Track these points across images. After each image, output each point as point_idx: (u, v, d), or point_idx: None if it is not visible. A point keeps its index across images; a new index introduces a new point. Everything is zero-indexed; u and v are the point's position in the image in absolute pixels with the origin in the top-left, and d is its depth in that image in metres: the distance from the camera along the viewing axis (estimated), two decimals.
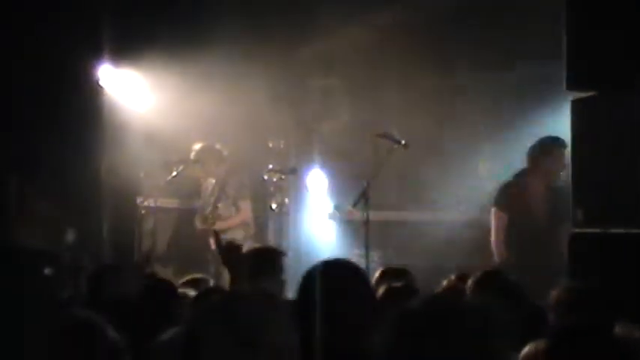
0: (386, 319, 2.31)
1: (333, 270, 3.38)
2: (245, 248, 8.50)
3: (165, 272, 8.24)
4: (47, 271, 5.56)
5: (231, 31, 8.77)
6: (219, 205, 8.93)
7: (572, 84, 5.65)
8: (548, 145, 7.52)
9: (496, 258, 7.51)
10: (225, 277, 7.93)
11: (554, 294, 4.35)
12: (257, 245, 5.94)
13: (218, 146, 8.98)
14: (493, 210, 7.68)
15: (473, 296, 4.47)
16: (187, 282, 5.44)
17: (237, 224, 8.91)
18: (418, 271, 5.73)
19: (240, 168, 9.10)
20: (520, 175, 7.74)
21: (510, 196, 7.65)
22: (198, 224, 9.09)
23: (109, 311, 3.10)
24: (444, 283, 5.12)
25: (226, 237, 8.75)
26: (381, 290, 4.63)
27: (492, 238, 7.60)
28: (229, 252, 3.96)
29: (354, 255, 8.59)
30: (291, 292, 5.30)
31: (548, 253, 7.32)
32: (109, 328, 2.78)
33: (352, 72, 9.50)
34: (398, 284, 4.73)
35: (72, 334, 2.72)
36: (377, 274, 5.38)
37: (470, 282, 4.70)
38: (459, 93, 9.52)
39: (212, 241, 6.58)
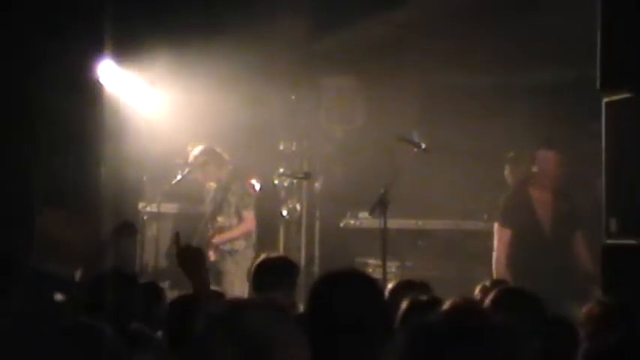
0: (403, 335, 2.21)
1: (343, 281, 3.36)
2: (246, 258, 8.60)
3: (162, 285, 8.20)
4: (58, 297, 5.54)
5: (239, 28, 8.75)
6: (219, 217, 8.79)
7: (606, 85, 5.60)
8: (536, 151, 7.59)
9: (494, 276, 7.49)
10: (225, 287, 7.93)
11: (584, 310, 4.31)
12: (270, 255, 5.90)
13: (218, 149, 8.84)
14: (496, 226, 7.69)
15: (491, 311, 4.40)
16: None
17: (239, 235, 8.76)
18: (439, 283, 5.65)
19: (243, 174, 8.96)
20: (521, 186, 7.72)
21: (514, 209, 7.63)
22: (196, 238, 8.75)
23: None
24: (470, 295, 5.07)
25: (227, 248, 8.73)
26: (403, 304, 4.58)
27: (494, 255, 7.62)
28: (187, 255, 3.78)
29: (371, 265, 8.57)
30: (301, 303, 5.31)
31: (559, 266, 7.34)
32: (108, 329, 2.84)
33: (368, 71, 9.45)
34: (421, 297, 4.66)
35: (72, 336, 2.77)
36: (390, 285, 5.29)
37: (481, 293, 4.62)
38: (484, 94, 9.47)
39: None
